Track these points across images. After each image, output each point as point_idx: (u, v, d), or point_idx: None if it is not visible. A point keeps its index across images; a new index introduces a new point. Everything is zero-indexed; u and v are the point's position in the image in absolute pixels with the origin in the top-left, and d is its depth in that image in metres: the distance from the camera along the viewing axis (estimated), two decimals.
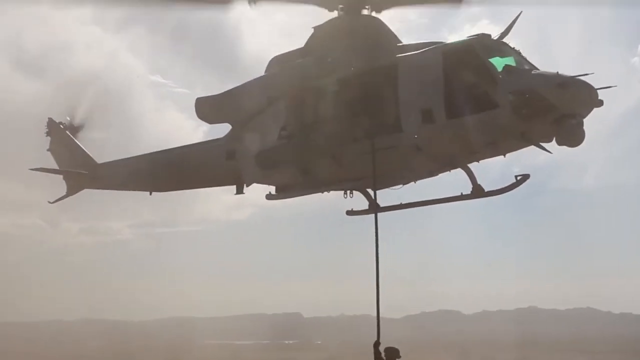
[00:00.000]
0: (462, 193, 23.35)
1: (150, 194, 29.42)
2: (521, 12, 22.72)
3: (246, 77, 26.85)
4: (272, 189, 26.07)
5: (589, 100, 21.13)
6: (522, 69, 21.91)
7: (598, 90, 21.11)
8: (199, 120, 27.17)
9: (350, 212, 25.36)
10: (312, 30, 25.43)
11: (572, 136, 21.09)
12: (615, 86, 22.15)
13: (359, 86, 23.80)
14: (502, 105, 21.32)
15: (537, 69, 21.96)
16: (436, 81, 22.47)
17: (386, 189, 24.61)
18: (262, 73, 26.39)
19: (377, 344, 22.21)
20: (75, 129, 32.41)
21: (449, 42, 23.48)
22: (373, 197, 24.53)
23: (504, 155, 22.85)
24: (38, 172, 30.78)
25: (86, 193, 31.40)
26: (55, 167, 31.67)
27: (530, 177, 22.77)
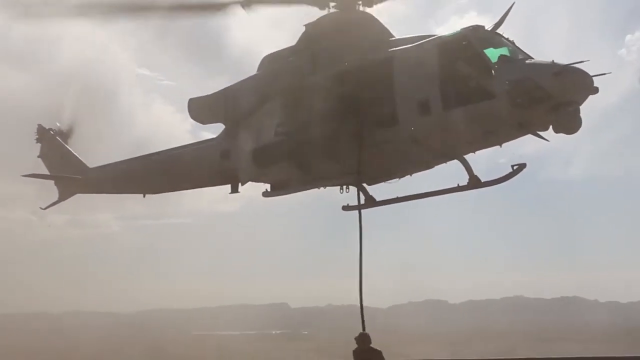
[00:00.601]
0: (458, 184, 23.32)
1: (144, 196, 29.31)
2: (514, 3, 22.74)
3: (235, 70, 26.77)
4: (267, 187, 25.97)
5: (584, 88, 21.19)
6: (517, 58, 21.95)
7: (593, 78, 21.11)
8: (187, 113, 27.07)
9: (346, 207, 25.29)
10: (303, 28, 25.33)
11: (569, 124, 21.21)
12: (610, 73, 22.23)
13: (353, 81, 23.78)
14: (498, 95, 21.35)
15: (531, 58, 21.95)
16: (431, 74, 22.47)
17: (382, 183, 24.70)
18: (251, 66, 26.51)
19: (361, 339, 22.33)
20: (65, 135, 32.28)
21: (443, 34, 23.40)
22: (366, 191, 24.69)
23: (501, 145, 22.85)
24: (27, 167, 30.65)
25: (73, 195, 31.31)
26: (46, 172, 31.56)
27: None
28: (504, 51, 22.30)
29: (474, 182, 23.10)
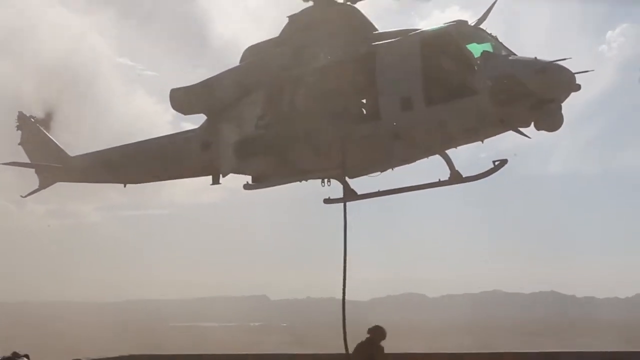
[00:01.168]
0: (439, 179, 23.39)
1: (125, 186, 29.25)
2: None
3: (218, 62, 26.69)
4: (248, 179, 25.96)
5: (567, 85, 21.10)
6: (500, 54, 21.85)
7: (576, 75, 21.07)
8: (168, 104, 27.01)
9: (327, 200, 25.31)
10: (286, 20, 25.32)
11: (551, 121, 21.15)
12: (593, 70, 22.27)
13: (335, 75, 23.66)
14: (480, 91, 21.25)
15: (514, 54, 21.96)
16: (414, 68, 22.33)
17: (364, 177, 24.75)
18: (235, 58, 26.31)
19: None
20: (46, 122, 32.14)
21: (426, 29, 23.40)
22: (347, 184, 24.71)
23: (482, 141, 22.86)
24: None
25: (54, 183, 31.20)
26: (27, 160, 31.39)
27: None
28: (487, 47, 22.14)
29: (455, 177, 23.04)
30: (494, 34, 22.52)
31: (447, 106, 21.82)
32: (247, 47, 26.35)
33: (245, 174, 25.95)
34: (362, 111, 23.58)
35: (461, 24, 22.53)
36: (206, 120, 26.98)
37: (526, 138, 22.17)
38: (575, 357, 29.04)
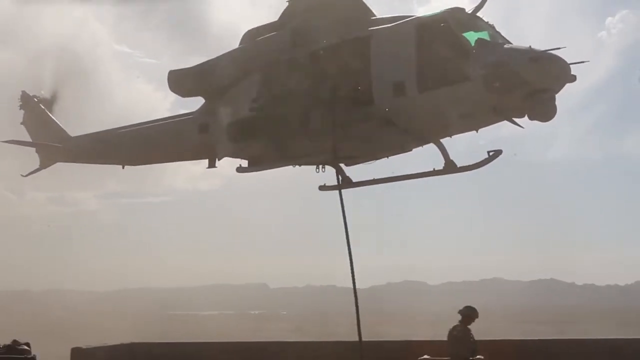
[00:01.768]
0: (434, 168, 23.42)
1: (123, 167, 29.33)
2: None
3: (215, 47, 26.70)
4: (243, 162, 26.02)
5: (561, 75, 21.13)
6: (495, 43, 21.83)
7: (571, 65, 21.09)
8: (168, 91, 27.09)
9: (322, 187, 25.38)
10: (285, 4, 25.32)
11: (544, 111, 21.13)
12: (588, 61, 22.27)
13: (331, 59, 23.75)
14: (474, 79, 21.28)
15: (510, 43, 21.90)
16: (409, 54, 22.40)
17: (360, 165, 24.82)
18: (234, 44, 26.35)
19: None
20: (49, 102, 32.23)
21: (422, 15, 23.39)
22: (343, 172, 24.78)
23: (477, 130, 22.90)
24: (7, 144, 30.53)
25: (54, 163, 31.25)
26: (29, 140, 31.49)
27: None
28: (483, 35, 22.14)
29: (449, 167, 23.14)
30: (491, 23, 22.55)
31: (439, 92, 21.87)
32: (245, 30, 26.42)
33: (241, 158, 26.04)
34: (356, 96, 23.47)
35: (458, 10, 22.46)
36: (204, 103, 27.11)
37: (524, 125, 22.22)
38: (575, 344, 29.07)
